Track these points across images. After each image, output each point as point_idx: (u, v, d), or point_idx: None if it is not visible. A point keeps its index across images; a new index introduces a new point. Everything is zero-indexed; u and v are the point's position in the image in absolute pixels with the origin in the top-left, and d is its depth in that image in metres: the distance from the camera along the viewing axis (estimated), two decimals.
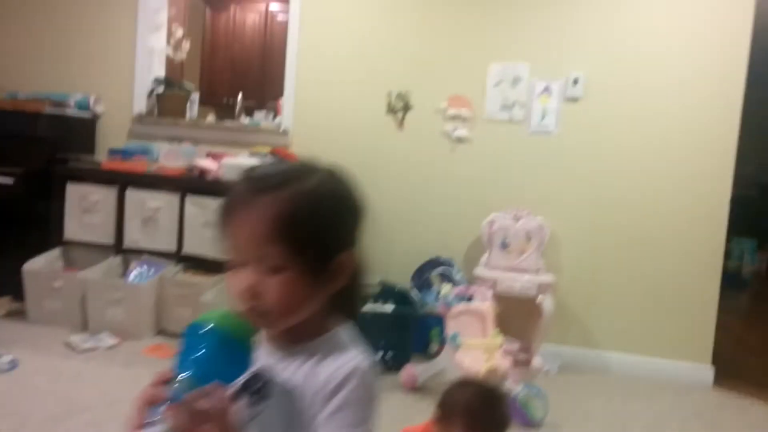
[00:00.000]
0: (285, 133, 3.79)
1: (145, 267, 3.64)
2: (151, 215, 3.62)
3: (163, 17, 4.21)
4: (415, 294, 3.35)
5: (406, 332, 3.20)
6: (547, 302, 3.22)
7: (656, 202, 3.42)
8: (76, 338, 3.30)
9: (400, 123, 3.64)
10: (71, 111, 3.93)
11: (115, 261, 3.68)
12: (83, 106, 3.99)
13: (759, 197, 6.35)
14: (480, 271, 3.36)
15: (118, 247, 3.69)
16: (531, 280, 3.25)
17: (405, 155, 3.66)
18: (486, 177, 3.59)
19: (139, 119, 4.04)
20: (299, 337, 0.83)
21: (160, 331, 3.51)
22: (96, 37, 4.06)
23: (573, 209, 3.51)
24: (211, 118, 4.17)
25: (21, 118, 3.75)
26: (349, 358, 0.81)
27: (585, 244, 3.50)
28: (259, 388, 0.79)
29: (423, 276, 3.40)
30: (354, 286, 0.86)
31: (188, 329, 0.76)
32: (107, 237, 3.69)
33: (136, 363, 3.07)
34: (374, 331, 3.10)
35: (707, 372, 3.37)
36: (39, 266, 3.56)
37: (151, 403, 0.70)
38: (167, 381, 0.72)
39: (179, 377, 0.71)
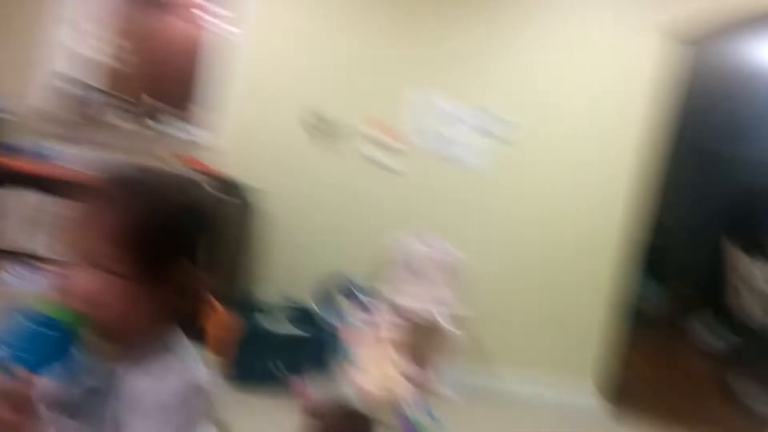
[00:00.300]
0: (204, 147, 3.68)
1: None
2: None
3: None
4: (316, 310, 3.31)
5: (303, 351, 3.14)
6: (453, 330, 3.26)
7: (561, 238, 3.62)
8: None
9: (317, 139, 3.62)
10: None
11: None
12: None
13: (673, 245, 6.65)
14: (386, 293, 3.35)
15: None
16: (438, 307, 3.28)
17: (319, 172, 3.63)
18: (403, 202, 3.64)
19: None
20: (130, 344, 0.82)
21: None
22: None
23: (486, 243, 3.62)
24: (130, 124, 3.97)
25: None
26: (174, 374, 0.80)
27: (494, 277, 3.60)
28: (80, 394, 0.80)
29: (327, 292, 3.36)
30: (190, 301, 0.86)
31: (15, 315, 0.75)
32: None
33: None
34: (271, 348, 3.06)
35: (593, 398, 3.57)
36: None
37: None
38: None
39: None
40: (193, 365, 0.84)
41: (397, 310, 3.16)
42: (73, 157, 3.51)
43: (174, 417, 0.78)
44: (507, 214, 3.63)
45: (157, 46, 5.41)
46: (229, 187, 3.38)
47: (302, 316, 3.26)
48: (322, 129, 3.60)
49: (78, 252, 0.78)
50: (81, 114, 3.82)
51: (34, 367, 0.72)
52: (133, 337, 0.82)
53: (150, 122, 3.90)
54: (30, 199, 3.43)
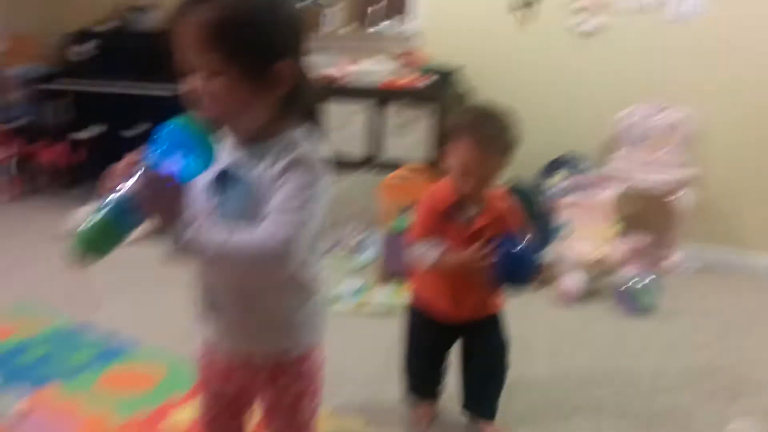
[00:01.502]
0: (414, 37, 3.96)
1: None
2: None
3: None
4: (539, 191, 3.30)
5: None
6: (686, 199, 3.05)
7: None
8: None
9: (523, 20, 3.68)
10: None
11: None
12: None
13: None
14: (610, 166, 3.26)
15: None
16: (667, 175, 3.07)
17: (530, 53, 3.63)
18: (620, 70, 3.41)
19: None
20: (256, 138, 0.91)
21: None
22: None
23: (720, 98, 3.24)
24: (344, 30, 4.42)
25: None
26: (293, 149, 0.89)
27: (734, 137, 3.23)
28: (223, 180, 0.93)
29: (550, 173, 3.33)
30: (300, 92, 0.92)
31: (158, 129, 0.85)
32: None
33: None
34: None
35: None
36: None
37: (122, 174, 0.83)
38: (138, 161, 0.83)
39: (147, 156, 0.83)
40: (313, 143, 0.93)
41: (622, 181, 3.06)
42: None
43: (303, 177, 0.88)
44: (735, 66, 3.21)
45: None
46: (442, 75, 3.64)
47: (523, 195, 3.34)
48: (527, 6, 3.61)
49: (196, 62, 0.85)
50: (313, 27, 4.28)
51: (179, 162, 0.83)
52: (266, 134, 0.91)
53: (370, 26, 4.24)
54: None
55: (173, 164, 0.82)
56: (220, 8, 0.83)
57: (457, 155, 1.48)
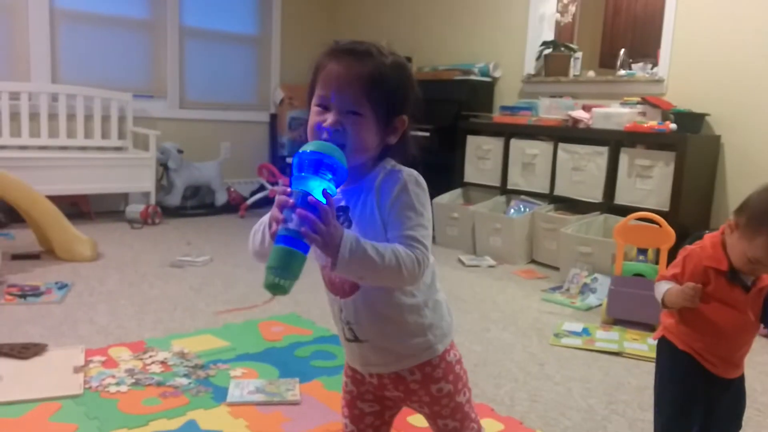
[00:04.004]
0: (660, 81, 3.93)
1: (521, 205, 4.27)
2: (529, 161, 4.22)
3: None
4: None
5: None
6: None
7: None
8: (465, 257, 4.10)
9: None
10: (475, 77, 4.81)
11: (500, 199, 4.42)
12: (484, 72, 4.84)
13: None
14: None
15: (503, 188, 4.41)
16: None
17: None
18: None
19: (528, 79, 4.69)
20: (360, 174, 1.06)
21: (532, 260, 4.10)
22: (494, 10, 4.88)
23: None
24: (591, 73, 4.53)
25: (438, 85, 4.78)
26: (399, 173, 1.05)
27: None
28: (344, 217, 1.05)
29: None
30: (405, 142, 1.10)
31: (295, 156, 0.95)
32: (495, 180, 4.43)
33: (506, 279, 3.73)
34: None
35: None
36: (444, 201, 4.50)
37: (282, 206, 0.92)
38: (289, 193, 0.93)
39: (296, 190, 0.93)
40: (408, 170, 1.08)
41: None
42: (559, 109, 4.19)
43: (417, 197, 1.04)
44: None
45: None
46: (686, 121, 3.55)
47: None
48: None
49: (344, 101, 1.01)
50: (562, 72, 4.47)
51: (324, 184, 0.93)
52: (365, 162, 1.06)
53: (619, 70, 4.30)
54: (527, 147, 4.27)
55: (319, 187, 0.92)
56: (372, 67, 1.02)
57: (751, 245, 1.38)
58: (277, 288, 0.89)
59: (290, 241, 0.89)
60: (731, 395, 1.55)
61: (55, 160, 4.42)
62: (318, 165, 0.92)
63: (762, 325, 1.49)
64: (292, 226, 0.89)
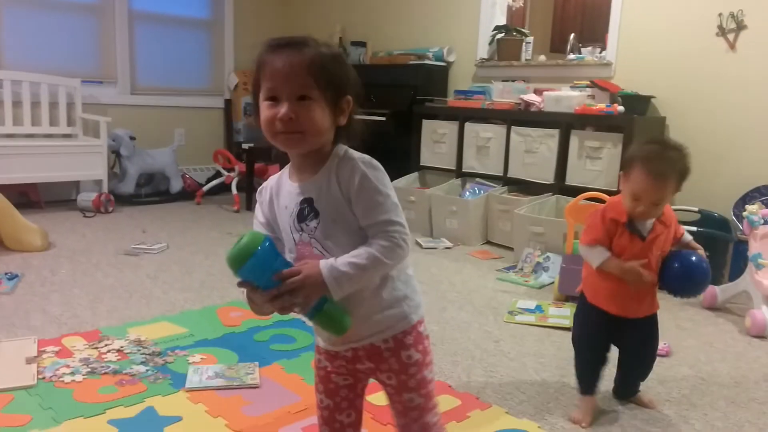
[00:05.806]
0: (608, 65, 4.04)
1: (476, 188, 4.34)
2: (483, 144, 4.29)
3: None
4: (734, 222, 3.30)
5: (714, 255, 3.23)
6: None
7: None
8: (422, 239, 4.16)
9: (732, 44, 3.58)
10: (430, 61, 4.85)
11: (455, 182, 4.48)
12: (439, 57, 4.88)
13: None
14: None
15: (458, 171, 4.47)
16: None
17: (736, 78, 3.52)
18: None
19: (481, 63, 4.75)
20: (317, 162, 1.10)
21: (487, 241, 4.18)
22: None
23: None
24: (542, 57, 4.62)
25: (393, 70, 4.81)
26: (352, 161, 1.09)
27: None
28: (306, 209, 1.10)
29: (747, 202, 3.24)
30: (351, 121, 1.13)
31: (237, 268, 1.01)
32: (450, 163, 4.49)
33: (462, 260, 3.80)
34: None
35: None
36: (401, 185, 4.54)
37: (251, 299, 1.04)
38: (253, 287, 1.03)
39: (255, 282, 1.02)
40: (360, 155, 1.11)
41: None
42: (512, 93, 4.25)
43: (378, 181, 1.07)
44: None
45: None
46: (633, 104, 3.65)
47: (717, 226, 3.34)
48: (738, 31, 3.48)
49: (293, 88, 1.04)
50: (514, 57, 4.53)
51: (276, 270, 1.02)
52: (321, 147, 1.10)
53: (568, 55, 4.39)
54: (481, 130, 4.33)
55: (269, 269, 1.01)
56: (314, 54, 1.06)
57: (630, 183, 1.71)
58: (347, 324, 1.06)
59: (313, 314, 1.04)
60: (640, 333, 1.87)
61: (2, 148, 4.28)
62: (251, 270, 1.01)
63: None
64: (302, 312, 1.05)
